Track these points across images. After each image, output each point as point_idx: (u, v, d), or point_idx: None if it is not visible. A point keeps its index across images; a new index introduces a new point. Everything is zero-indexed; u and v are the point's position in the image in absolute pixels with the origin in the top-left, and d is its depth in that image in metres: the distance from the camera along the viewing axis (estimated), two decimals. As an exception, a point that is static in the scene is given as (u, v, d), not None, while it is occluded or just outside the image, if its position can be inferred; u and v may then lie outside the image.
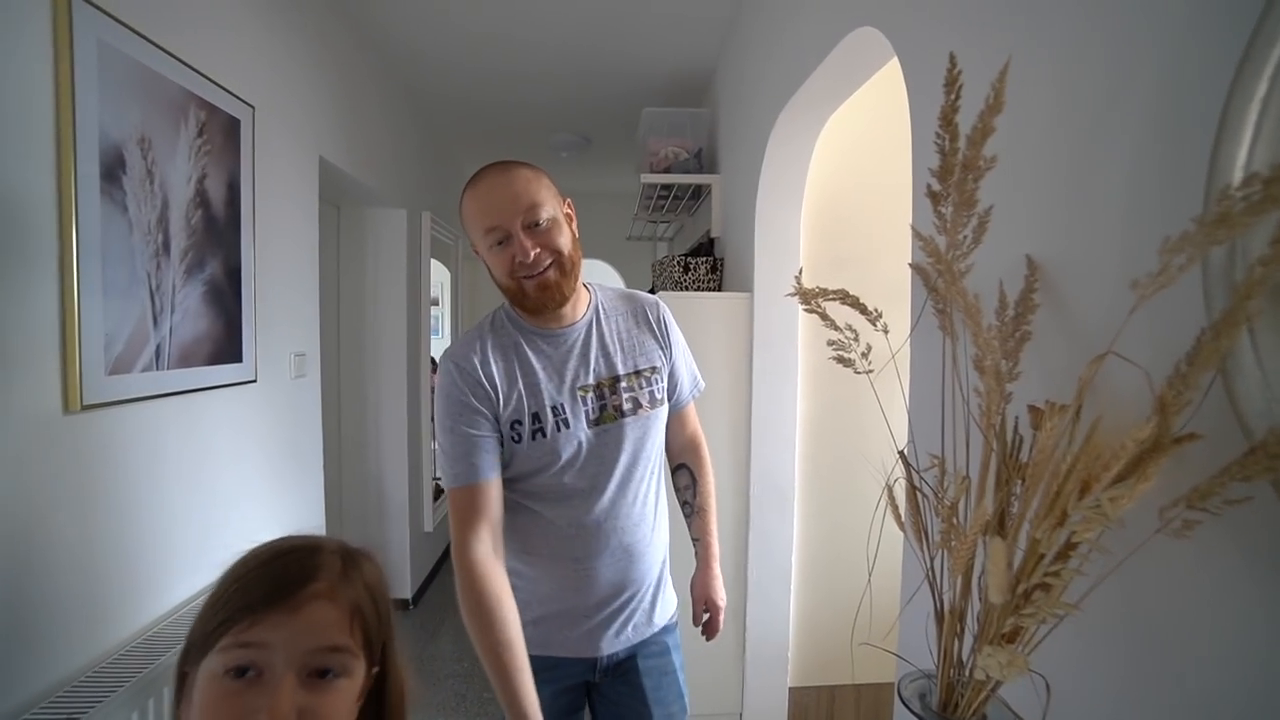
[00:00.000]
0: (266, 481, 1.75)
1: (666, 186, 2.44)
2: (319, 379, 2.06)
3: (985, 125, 0.48)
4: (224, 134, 1.51)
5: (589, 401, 0.98)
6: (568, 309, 0.99)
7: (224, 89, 1.50)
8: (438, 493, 3.50)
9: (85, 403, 1.10)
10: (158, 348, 1.29)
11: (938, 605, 0.58)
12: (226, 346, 1.53)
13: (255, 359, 1.65)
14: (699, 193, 2.53)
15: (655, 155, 2.43)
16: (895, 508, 0.62)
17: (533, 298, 0.94)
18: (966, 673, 0.54)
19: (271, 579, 0.52)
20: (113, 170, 1.17)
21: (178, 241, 1.35)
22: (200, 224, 1.43)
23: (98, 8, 1.12)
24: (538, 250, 0.92)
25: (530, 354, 0.98)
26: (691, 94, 2.83)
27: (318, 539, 0.58)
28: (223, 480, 1.55)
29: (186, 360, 1.38)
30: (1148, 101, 0.51)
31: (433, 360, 3.47)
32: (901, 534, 0.71)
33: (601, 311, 1.05)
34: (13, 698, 0.99)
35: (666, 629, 1.10)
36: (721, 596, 1.14)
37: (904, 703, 0.58)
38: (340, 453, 2.84)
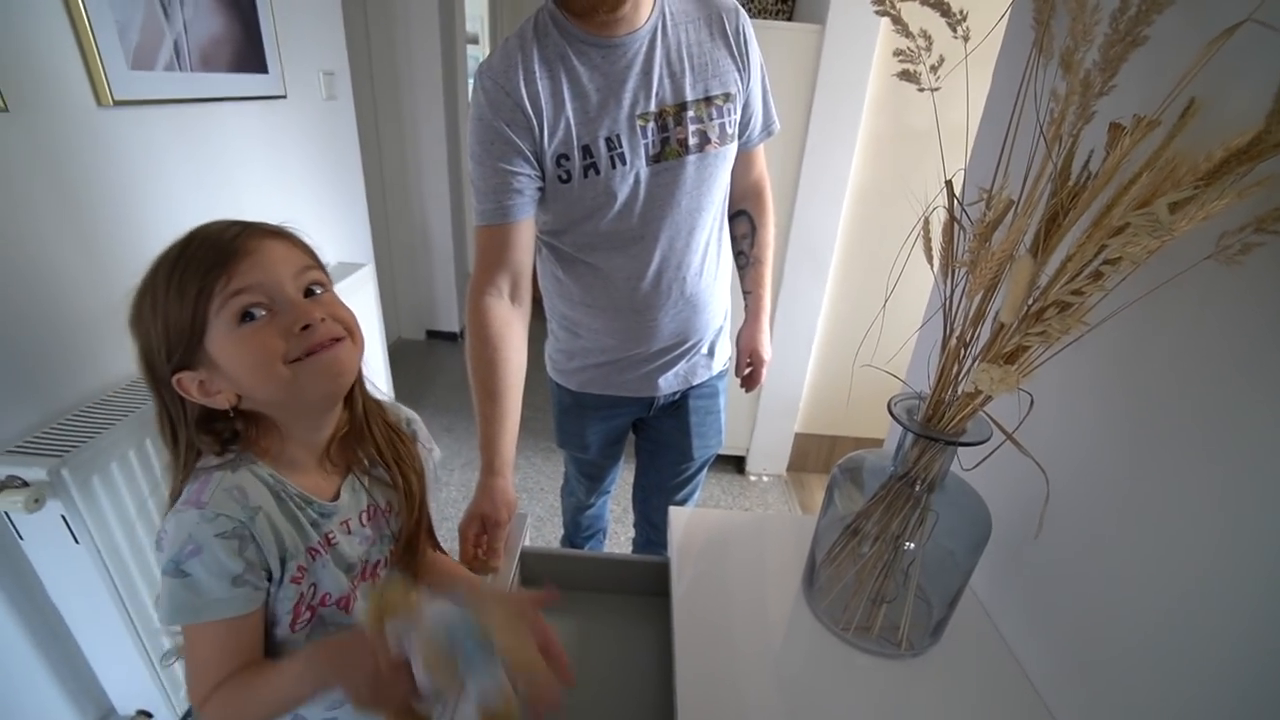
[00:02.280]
0: (309, 205, 1.79)
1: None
2: (352, 104, 1.97)
3: None
4: None
5: (649, 133, 0.84)
6: (628, 7, 0.78)
7: None
8: (480, 240, 3.58)
9: (115, 97, 1.08)
10: (175, 44, 1.22)
11: (946, 332, 0.59)
12: (248, 52, 1.44)
13: (282, 72, 1.57)
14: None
15: None
16: (927, 237, 0.60)
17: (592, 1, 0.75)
18: (957, 391, 0.56)
19: (215, 243, 0.54)
20: None
21: (172, -88, 1.19)
22: (192, -110, 1.24)
23: None
24: None
25: (581, 69, 0.81)
26: None
27: (211, 225, 0.59)
28: (265, 198, 1.59)
29: (208, 63, 1.31)
30: None
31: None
32: (930, 276, 0.69)
33: (669, 16, 0.84)
34: (46, 406, 1.02)
35: (720, 374, 1.12)
36: (768, 350, 1.13)
37: (894, 416, 0.63)
38: (384, 188, 2.85)
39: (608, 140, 0.82)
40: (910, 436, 0.63)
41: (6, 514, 0.91)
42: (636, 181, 0.85)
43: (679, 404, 1.10)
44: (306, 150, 1.74)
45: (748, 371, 1.13)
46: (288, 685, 0.53)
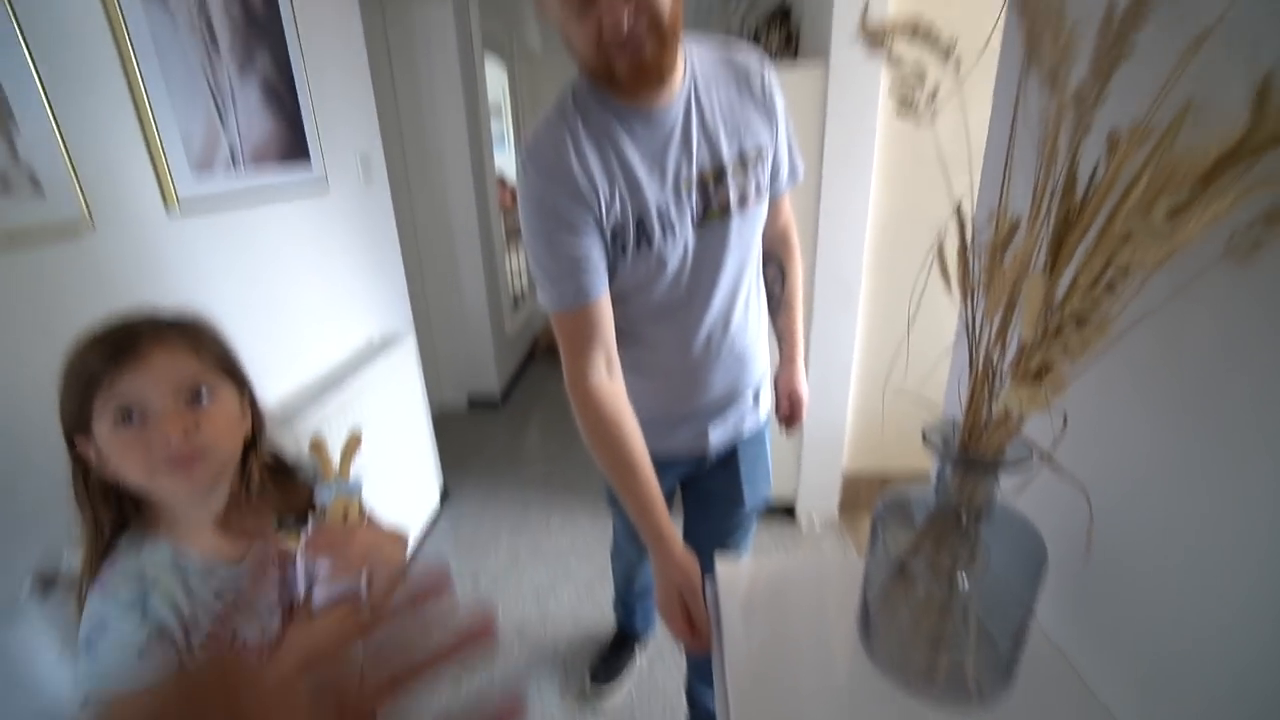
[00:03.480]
0: (351, 285, 1.90)
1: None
2: (387, 184, 2.10)
3: None
4: (242, -94, 1.39)
5: (693, 198, 0.84)
6: (669, 78, 0.79)
7: None
8: (515, 301, 3.70)
9: (181, 197, 1.19)
10: (231, 147, 1.34)
11: (972, 354, 0.58)
12: (293, 146, 1.57)
13: (323, 160, 1.69)
14: (774, -54, 2.14)
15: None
16: (942, 261, 0.60)
17: (625, 79, 0.75)
18: (991, 413, 0.55)
19: (108, 346, 0.60)
20: (141, -45, 1.13)
21: (223, 35, 1.33)
22: (240, 16, 1.39)
23: None
24: (632, 16, 0.70)
25: (627, 143, 0.80)
26: None
27: (129, 315, 0.64)
28: (314, 283, 1.69)
29: (260, 159, 1.44)
30: None
31: (502, 177, 3.44)
32: (950, 303, 0.69)
33: (699, 79, 0.84)
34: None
35: (765, 420, 1.11)
36: (806, 390, 1.14)
37: (930, 444, 0.61)
38: (421, 262, 2.99)
39: (658, 210, 0.82)
40: (950, 465, 0.61)
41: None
42: (685, 248, 0.86)
43: (728, 456, 1.08)
44: (348, 233, 1.86)
45: (788, 414, 1.16)
46: None
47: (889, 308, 1.97)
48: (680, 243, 0.84)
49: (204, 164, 1.26)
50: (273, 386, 1.52)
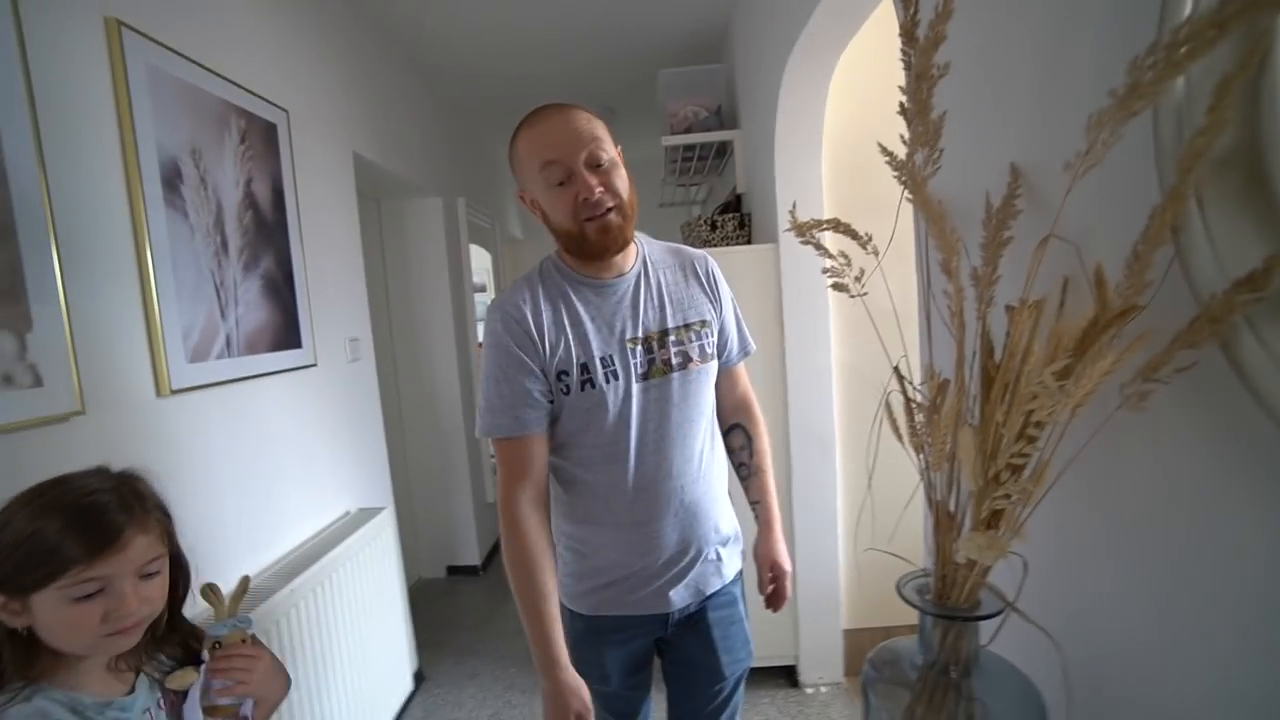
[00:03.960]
0: (333, 457, 1.91)
1: (689, 147, 2.44)
2: (373, 362, 2.20)
3: (936, 34, 0.50)
4: (263, 139, 1.62)
5: (638, 354, 0.96)
6: (619, 259, 0.97)
7: (260, 97, 1.61)
8: (495, 469, 3.68)
9: (174, 388, 1.24)
10: (227, 337, 1.43)
11: (931, 505, 0.61)
12: (286, 334, 1.67)
13: (314, 344, 1.79)
14: (723, 150, 2.52)
15: (675, 116, 2.43)
16: (891, 416, 0.65)
17: (593, 241, 0.91)
18: (956, 561, 0.57)
19: (87, 534, 0.64)
20: (172, 181, 1.29)
21: (234, 241, 1.48)
22: (251, 224, 1.55)
23: (143, 35, 1.23)
24: (602, 189, 0.89)
25: (579, 304, 0.96)
26: (709, 50, 2.80)
27: (90, 482, 0.69)
28: (294, 457, 1.70)
29: (253, 347, 1.52)
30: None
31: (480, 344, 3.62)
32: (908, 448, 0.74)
33: (649, 263, 1.02)
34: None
35: (734, 580, 1.11)
36: (787, 561, 1.08)
37: (903, 598, 0.62)
38: (404, 431, 3.02)
39: (602, 359, 0.95)
40: (928, 618, 0.61)
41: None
42: (628, 395, 0.95)
43: (697, 618, 1.07)
44: (333, 409, 1.91)
45: (771, 589, 1.07)
46: None
47: (863, 456, 2.02)
48: (622, 388, 0.95)
49: (200, 355, 1.34)
50: (251, 559, 1.46)
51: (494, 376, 0.94)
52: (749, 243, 2.22)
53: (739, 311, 1.12)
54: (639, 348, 0.96)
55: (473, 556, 3.17)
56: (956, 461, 0.56)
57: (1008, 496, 0.49)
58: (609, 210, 0.90)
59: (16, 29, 0.96)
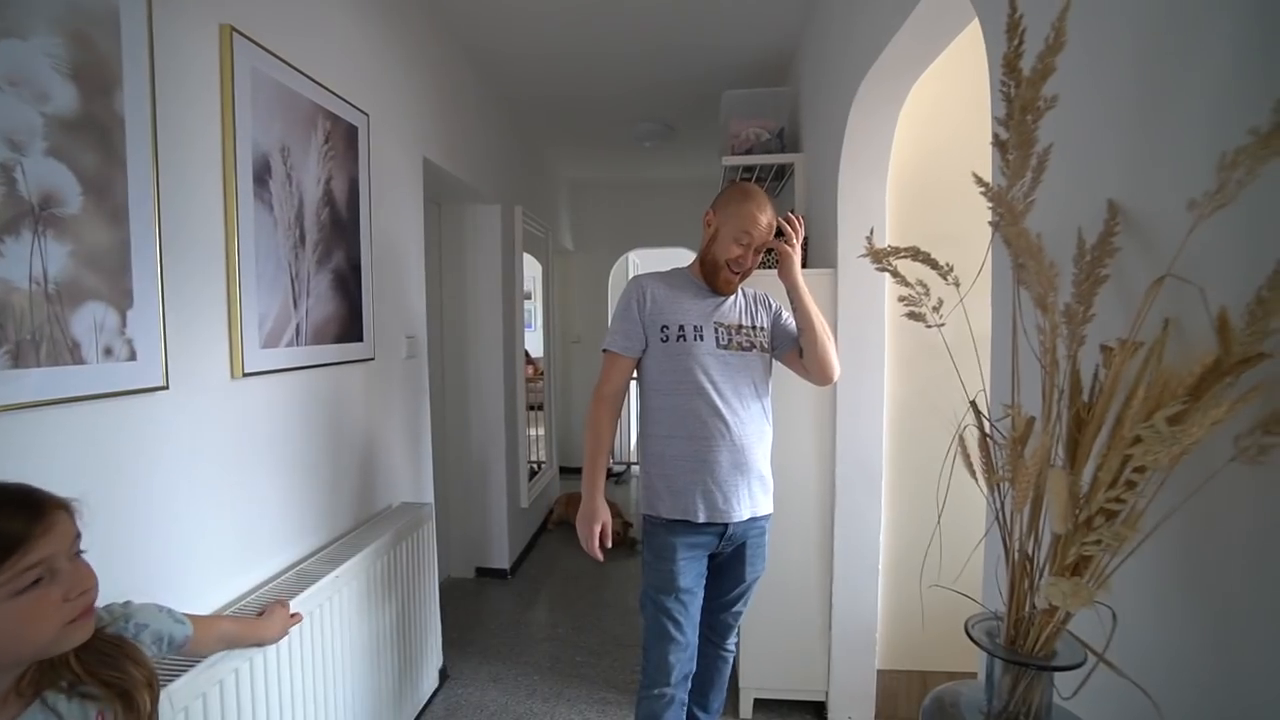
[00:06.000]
0: (385, 449, 1.96)
1: (749, 168, 2.44)
2: (427, 362, 2.25)
3: (1045, 66, 0.49)
4: (345, 140, 1.70)
5: (718, 331, 1.46)
6: (726, 289, 1.51)
7: (345, 100, 1.69)
8: (532, 473, 3.71)
9: (246, 370, 1.30)
10: (297, 326, 1.49)
11: (1006, 545, 0.59)
12: (350, 327, 1.73)
13: (374, 339, 1.85)
14: (782, 173, 2.51)
15: (737, 137, 2.44)
16: (965, 453, 0.64)
17: (720, 281, 1.47)
18: (1033, 606, 0.55)
19: (24, 511, 0.62)
20: (261, 176, 1.36)
21: (311, 236, 1.55)
22: (327, 220, 1.62)
23: (250, 39, 1.31)
24: (748, 266, 1.45)
25: (692, 297, 1.50)
26: (774, 73, 2.81)
27: (9, 483, 0.66)
28: (348, 445, 1.75)
29: (319, 338, 1.58)
30: (1232, 26, 0.50)
31: (527, 353, 3.68)
32: (979, 489, 0.72)
33: (742, 294, 1.56)
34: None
35: (768, 517, 1.54)
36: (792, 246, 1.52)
37: (972, 639, 0.60)
38: (445, 431, 3.08)
39: (694, 327, 1.46)
40: (999, 664, 0.59)
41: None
42: (708, 355, 1.44)
43: (741, 544, 1.51)
44: (386, 402, 1.96)
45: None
46: None
47: (912, 494, 1.97)
48: (700, 348, 1.44)
49: (272, 341, 1.40)
50: (299, 543, 1.51)
51: (620, 317, 1.50)
52: (805, 267, 2.20)
53: (793, 323, 1.57)
54: (720, 328, 1.47)
55: (502, 560, 3.19)
56: (1040, 501, 0.55)
57: (1098, 542, 0.47)
58: (738, 275, 1.47)
59: (148, 32, 1.03)
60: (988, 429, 0.64)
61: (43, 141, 0.88)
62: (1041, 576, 0.55)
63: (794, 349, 1.54)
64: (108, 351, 0.98)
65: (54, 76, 0.90)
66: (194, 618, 0.93)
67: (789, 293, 1.51)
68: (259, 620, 1.18)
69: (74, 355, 0.93)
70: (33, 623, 0.60)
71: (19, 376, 0.85)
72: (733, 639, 1.65)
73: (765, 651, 2.06)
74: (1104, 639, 0.57)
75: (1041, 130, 0.53)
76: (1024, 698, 0.57)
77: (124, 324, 1.00)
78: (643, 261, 5.67)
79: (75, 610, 0.63)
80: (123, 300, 1.00)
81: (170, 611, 0.89)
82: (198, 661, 1.03)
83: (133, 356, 1.02)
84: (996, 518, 0.62)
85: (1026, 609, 0.58)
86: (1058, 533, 0.49)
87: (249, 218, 1.32)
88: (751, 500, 1.48)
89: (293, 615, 1.26)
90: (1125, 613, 0.55)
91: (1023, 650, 0.57)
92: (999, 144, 0.60)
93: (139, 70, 1.02)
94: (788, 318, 1.56)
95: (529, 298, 4.66)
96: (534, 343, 4.33)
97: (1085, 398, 0.55)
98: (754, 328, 1.50)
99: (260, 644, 1.17)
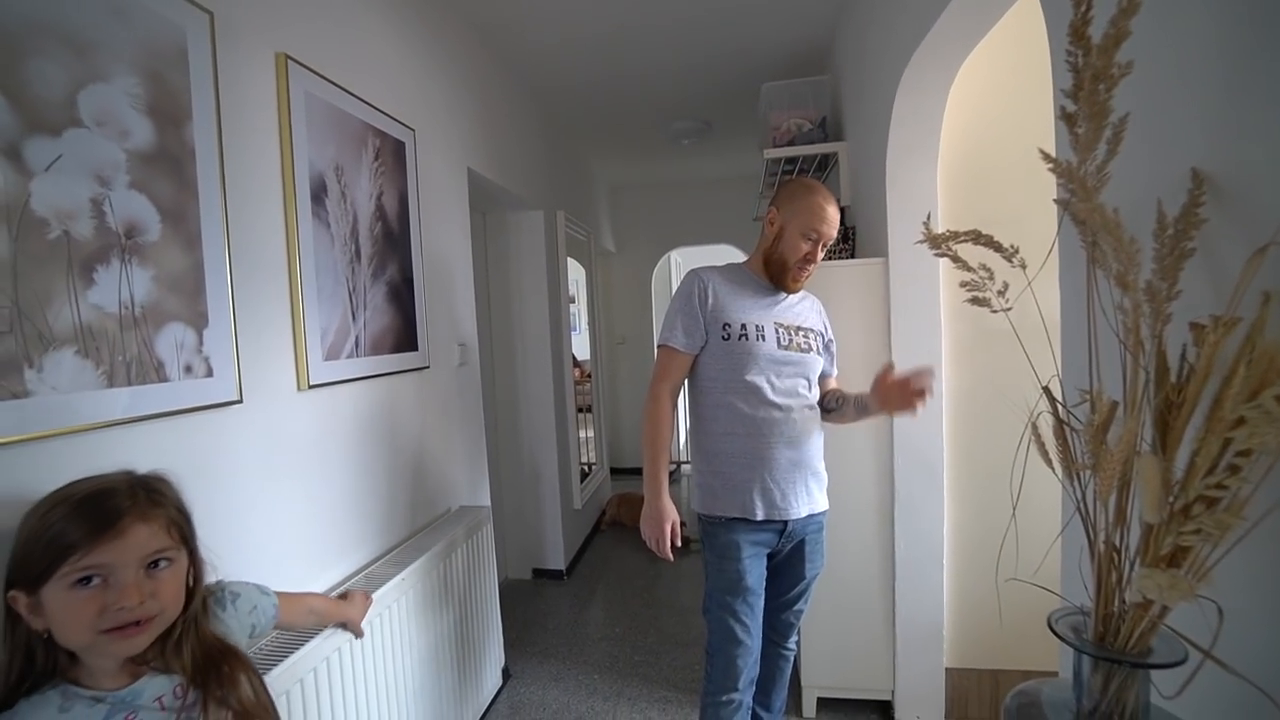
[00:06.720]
0: (444, 455, 2.01)
1: (791, 160, 2.40)
2: (479, 368, 2.30)
3: (1120, 30, 0.46)
4: (394, 156, 1.76)
5: (779, 331, 1.45)
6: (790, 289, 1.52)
7: (392, 117, 1.74)
8: (583, 475, 3.75)
9: (311, 383, 1.35)
10: (356, 338, 1.54)
11: (1090, 536, 0.56)
12: (405, 337, 1.78)
13: (428, 348, 1.90)
14: (825, 163, 2.46)
15: (777, 129, 2.41)
16: (1040, 441, 0.61)
17: (788, 280, 1.46)
18: (1125, 601, 0.52)
19: (87, 518, 0.64)
20: (318, 195, 1.42)
21: (365, 249, 1.61)
22: (380, 234, 1.68)
23: (303, 65, 1.37)
24: (814, 264, 1.44)
25: (749, 293, 1.48)
26: (811, 63, 2.76)
27: (109, 478, 0.69)
28: (408, 452, 1.81)
29: (377, 348, 1.63)
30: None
31: (574, 355, 3.72)
32: (1054, 477, 0.68)
33: (805, 298, 1.57)
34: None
35: (825, 513, 1.52)
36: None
37: (1058, 635, 0.57)
38: (497, 435, 3.14)
39: (756, 325, 1.44)
40: (1087, 661, 0.56)
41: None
42: (767, 354, 1.43)
43: (800, 542, 1.50)
44: (443, 409, 2.02)
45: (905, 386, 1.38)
46: None
47: (977, 486, 1.89)
48: (764, 348, 1.42)
49: (333, 354, 1.46)
50: (364, 547, 1.57)
51: (681, 311, 1.46)
52: (853, 256, 2.15)
53: (834, 348, 1.62)
54: (781, 329, 1.46)
55: (558, 561, 3.23)
56: (1127, 490, 0.52)
57: (1198, 531, 0.44)
58: (805, 275, 1.46)
59: (213, 66, 1.09)
60: (1064, 415, 0.61)
61: (125, 175, 0.94)
62: (1132, 569, 0.52)
63: (823, 373, 1.56)
64: (188, 369, 1.04)
65: (132, 114, 0.96)
66: (280, 593, 0.99)
67: (870, 409, 1.48)
68: (344, 601, 1.27)
69: (159, 374, 0.99)
70: (66, 620, 0.64)
71: (113, 395, 0.92)
72: (794, 638, 1.63)
73: (827, 650, 2.02)
74: (1206, 635, 0.53)
75: (1116, 100, 0.50)
76: (1117, 697, 0.54)
77: (201, 342, 1.07)
78: (685, 260, 5.66)
79: (109, 624, 0.64)
80: (199, 320, 1.06)
81: (258, 585, 0.95)
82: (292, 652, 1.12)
83: (210, 373, 1.08)
84: (1077, 508, 0.59)
85: (1115, 604, 0.55)
86: (1150, 522, 0.47)
87: (308, 235, 1.38)
88: (809, 496, 1.46)
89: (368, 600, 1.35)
90: (1231, 607, 0.51)
91: (1113, 646, 0.54)
92: (1066, 117, 0.57)
93: (206, 102, 1.08)
94: (830, 339, 1.59)
95: (573, 301, 4.72)
96: (580, 345, 4.37)
97: (1174, 379, 0.51)
98: (812, 330, 1.50)
99: (344, 623, 1.26)
